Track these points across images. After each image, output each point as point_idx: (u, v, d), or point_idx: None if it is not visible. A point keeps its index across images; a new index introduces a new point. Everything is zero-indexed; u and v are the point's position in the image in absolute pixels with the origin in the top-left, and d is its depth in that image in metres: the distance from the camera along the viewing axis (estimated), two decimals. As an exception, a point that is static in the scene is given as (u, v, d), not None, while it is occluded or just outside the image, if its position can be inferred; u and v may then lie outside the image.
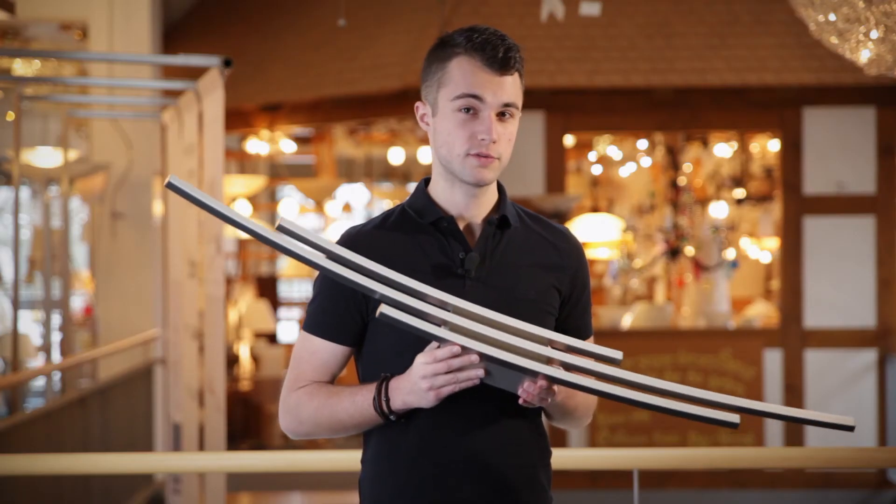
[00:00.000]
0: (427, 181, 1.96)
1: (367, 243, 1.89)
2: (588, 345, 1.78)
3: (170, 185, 1.70)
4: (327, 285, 1.89)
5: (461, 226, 1.91)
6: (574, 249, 1.98)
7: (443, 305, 1.74)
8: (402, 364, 1.81)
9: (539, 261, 1.93)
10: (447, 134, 1.87)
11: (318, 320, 1.91)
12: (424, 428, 1.84)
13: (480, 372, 1.73)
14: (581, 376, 1.74)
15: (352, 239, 1.91)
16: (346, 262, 1.74)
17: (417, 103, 1.95)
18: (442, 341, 1.72)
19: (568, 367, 1.74)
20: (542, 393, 1.75)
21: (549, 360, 1.73)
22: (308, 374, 1.91)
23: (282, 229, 1.71)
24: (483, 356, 1.71)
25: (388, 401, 1.81)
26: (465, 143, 1.85)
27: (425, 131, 1.95)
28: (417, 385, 1.76)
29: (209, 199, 1.71)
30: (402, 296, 1.72)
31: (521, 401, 1.77)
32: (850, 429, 1.76)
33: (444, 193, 1.92)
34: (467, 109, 1.85)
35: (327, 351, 1.91)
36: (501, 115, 1.86)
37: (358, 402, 1.84)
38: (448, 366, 1.72)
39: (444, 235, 1.89)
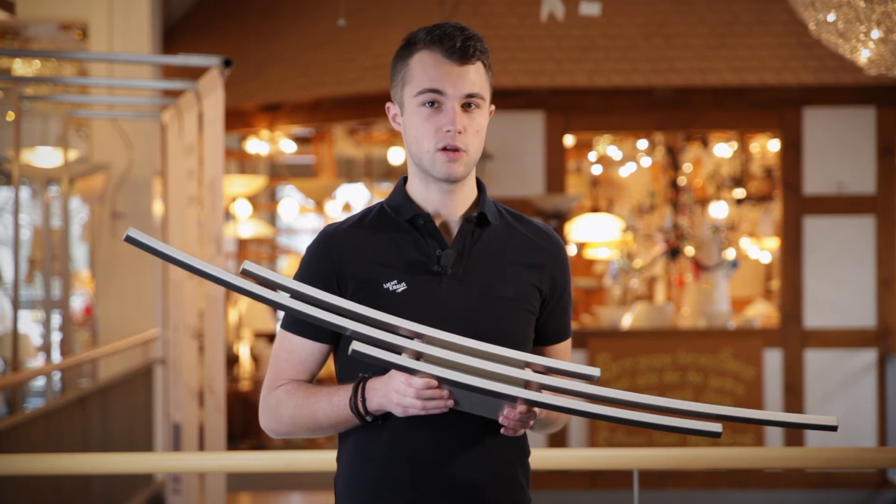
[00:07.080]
0: (406, 179, 1.95)
1: (343, 241, 1.89)
2: (565, 364, 1.76)
3: (128, 239, 1.69)
4: (304, 283, 1.87)
5: (438, 223, 1.90)
6: (555, 249, 1.97)
7: (416, 336, 1.72)
8: None
9: (520, 259, 1.92)
10: (414, 130, 1.86)
11: (294, 318, 1.89)
12: (399, 426, 1.83)
13: (450, 402, 1.73)
14: (560, 397, 1.72)
15: (329, 237, 1.91)
16: (313, 301, 1.73)
17: (388, 104, 1.94)
18: (418, 373, 1.71)
19: (546, 389, 1.72)
20: (523, 418, 1.74)
21: (526, 384, 1.71)
22: (287, 373, 1.90)
23: (246, 273, 1.69)
24: (460, 385, 1.70)
25: (364, 401, 1.80)
26: (431, 137, 1.84)
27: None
28: (390, 395, 1.76)
29: (171, 249, 1.70)
30: (373, 330, 1.71)
31: (503, 430, 1.77)
32: (834, 428, 1.74)
33: (420, 191, 1.91)
34: (431, 103, 1.84)
35: (305, 349, 1.90)
36: (467, 107, 1.85)
37: (335, 403, 1.83)
38: (418, 394, 1.72)
39: (420, 233, 1.89)
